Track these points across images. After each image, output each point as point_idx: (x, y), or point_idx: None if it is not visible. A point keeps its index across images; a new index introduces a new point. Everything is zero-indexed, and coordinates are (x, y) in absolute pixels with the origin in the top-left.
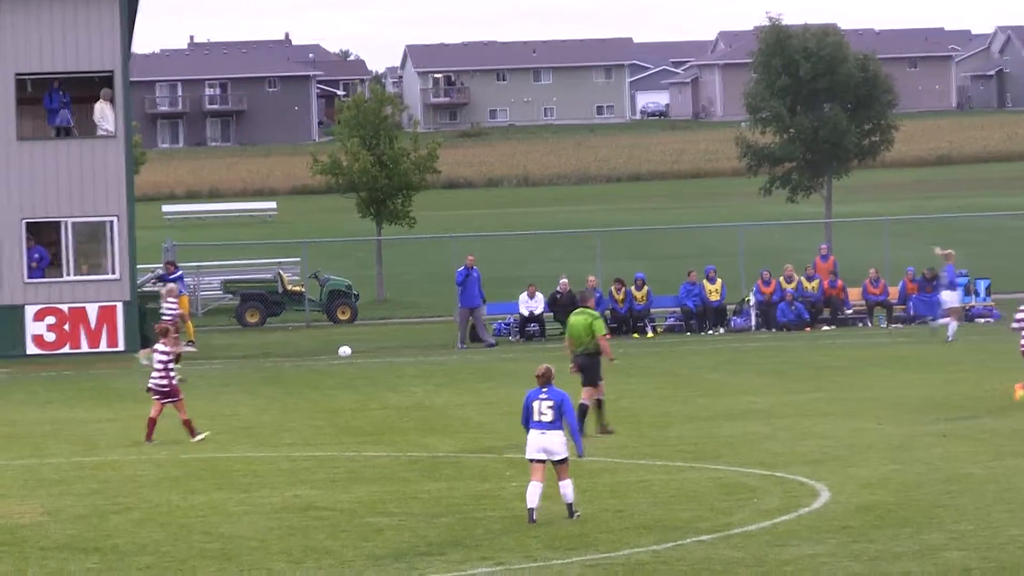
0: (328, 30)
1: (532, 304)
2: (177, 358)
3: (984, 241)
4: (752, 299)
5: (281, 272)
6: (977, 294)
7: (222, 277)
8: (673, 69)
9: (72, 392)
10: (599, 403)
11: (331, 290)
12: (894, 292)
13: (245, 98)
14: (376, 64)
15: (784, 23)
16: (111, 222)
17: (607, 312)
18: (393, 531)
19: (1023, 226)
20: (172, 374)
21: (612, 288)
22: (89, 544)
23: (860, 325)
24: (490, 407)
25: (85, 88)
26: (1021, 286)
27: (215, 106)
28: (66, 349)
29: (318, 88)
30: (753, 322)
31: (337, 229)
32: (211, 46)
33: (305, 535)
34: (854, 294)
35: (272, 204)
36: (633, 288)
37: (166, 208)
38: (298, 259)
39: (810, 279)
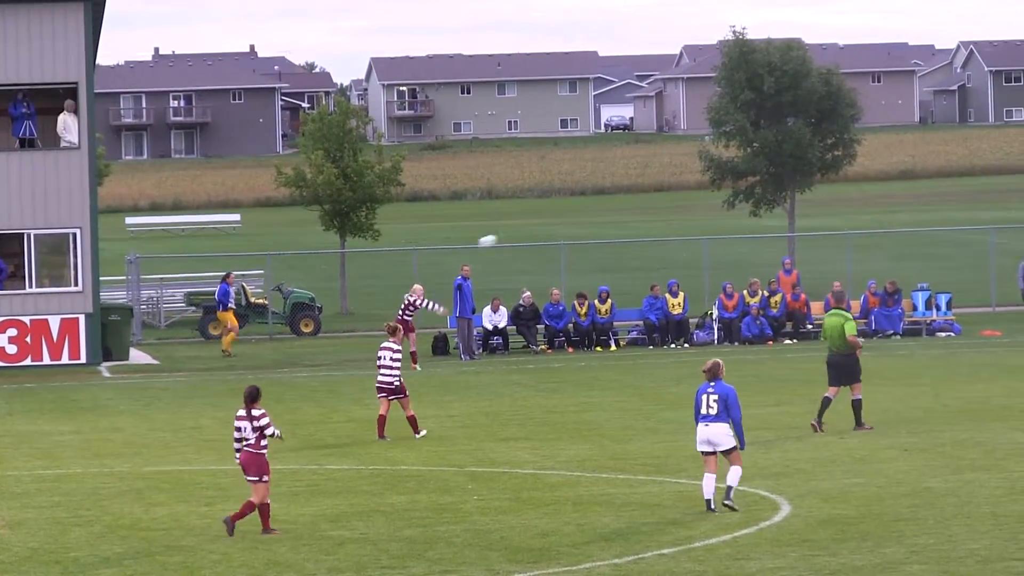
0: (293, 42)
1: (496, 318)
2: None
3: (946, 255)
4: (715, 313)
5: (244, 284)
6: (938, 308)
7: (185, 289)
8: (637, 83)
9: (34, 404)
10: (858, 403)
11: (294, 303)
12: (856, 306)
13: (210, 110)
14: (341, 76)
15: (748, 38)
16: (74, 234)
17: (570, 325)
18: (355, 544)
19: (984, 240)
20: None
21: (575, 302)
22: (50, 557)
23: (822, 339)
24: (452, 420)
25: (49, 99)
26: (982, 300)
27: (180, 118)
28: (28, 361)
29: (283, 100)
30: (716, 336)
31: (301, 242)
32: (176, 58)
33: (267, 548)
34: (816, 308)
35: (236, 216)
36: (597, 301)
37: (130, 220)
38: (262, 271)
39: (773, 293)
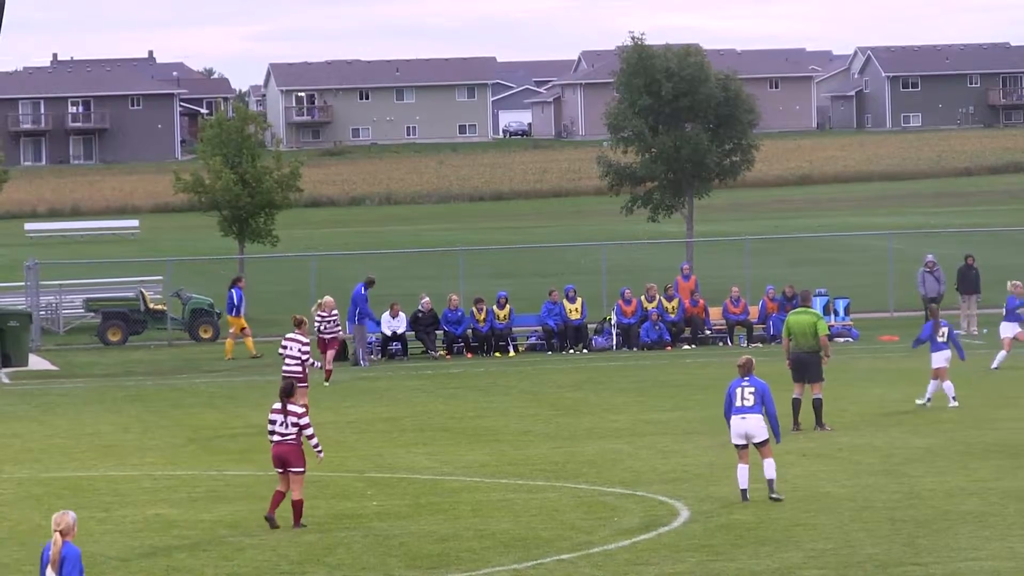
0: (192, 48)
1: (395, 323)
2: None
3: (844, 260)
4: (614, 318)
5: (143, 290)
6: (836, 313)
7: (84, 295)
8: (536, 88)
9: None
10: (819, 402)
11: (193, 308)
12: (754, 311)
13: (108, 116)
14: (240, 82)
15: (646, 43)
16: None
17: (468, 331)
18: (254, 550)
19: (882, 246)
20: (312, 363)
21: (473, 308)
22: None
23: (720, 344)
24: (351, 426)
25: None
26: (880, 305)
27: (78, 124)
28: None
29: (181, 106)
30: (614, 341)
31: (200, 247)
32: (74, 64)
33: (166, 554)
34: (714, 313)
35: (135, 222)
36: (495, 307)
37: (28, 226)
38: (160, 277)
39: (670, 299)
